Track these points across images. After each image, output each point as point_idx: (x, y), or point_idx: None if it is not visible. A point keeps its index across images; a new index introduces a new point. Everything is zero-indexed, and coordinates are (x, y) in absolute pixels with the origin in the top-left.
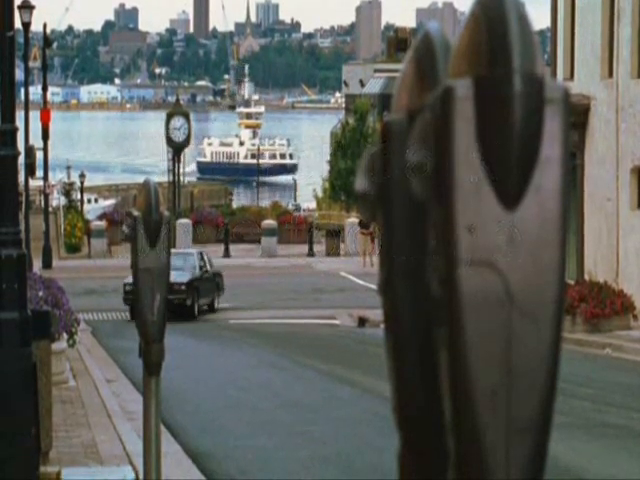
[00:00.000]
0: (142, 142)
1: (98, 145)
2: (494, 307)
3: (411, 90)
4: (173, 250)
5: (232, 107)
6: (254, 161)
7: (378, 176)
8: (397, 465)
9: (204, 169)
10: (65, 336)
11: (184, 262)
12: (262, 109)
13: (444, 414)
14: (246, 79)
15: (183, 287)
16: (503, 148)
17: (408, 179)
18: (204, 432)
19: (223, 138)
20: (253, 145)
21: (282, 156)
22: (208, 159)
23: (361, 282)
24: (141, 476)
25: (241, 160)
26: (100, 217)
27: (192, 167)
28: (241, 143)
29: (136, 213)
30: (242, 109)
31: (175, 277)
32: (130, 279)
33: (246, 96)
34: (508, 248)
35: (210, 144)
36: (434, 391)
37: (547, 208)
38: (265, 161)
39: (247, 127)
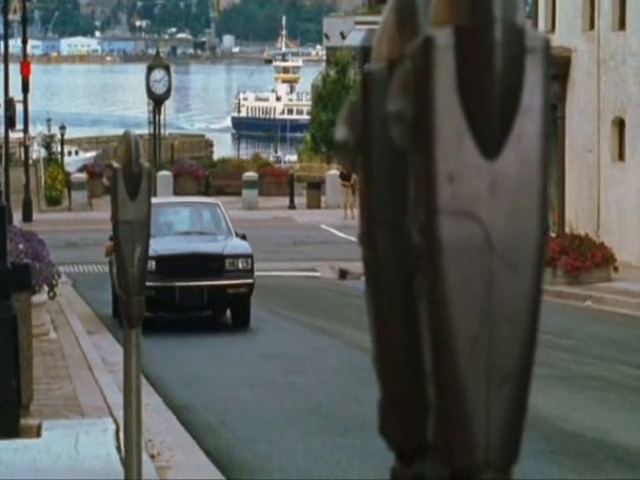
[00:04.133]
0: (123, 94)
1: (79, 98)
2: (474, 256)
3: (391, 40)
4: (178, 199)
5: (268, 61)
6: (291, 117)
7: (358, 126)
8: (378, 416)
9: (239, 124)
10: (46, 288)
11: (213, 222)
12: (300, 63)
13: (424, 364)
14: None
15: (248, 261)
16: (484, 97)
17: (388, 128)
18: (185, 384)
19: (259, 93)
20: (290, 100)
21: None
22: (243, 114)
23: (342, 235)
24: (122, 428)
25: (277, 116)
26: (81, 169)
27: (227, 122)
28: (278, 98)
29: (116, 165)
30: (279, 63)
31: (228, 246)
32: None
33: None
34: (488, 197)
35: (245, 99)
36: (414, 341)
37: (528, 157)
38: (302, 117)
39: (284, 81)
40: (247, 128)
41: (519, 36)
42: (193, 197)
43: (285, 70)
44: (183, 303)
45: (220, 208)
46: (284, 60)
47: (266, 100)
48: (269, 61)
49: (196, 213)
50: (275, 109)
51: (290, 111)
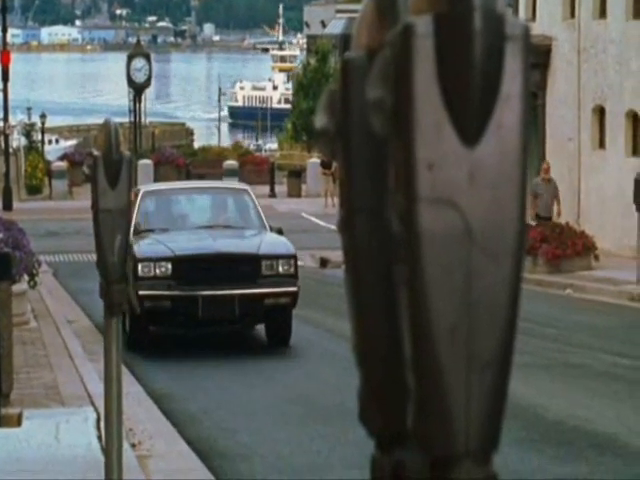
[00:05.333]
0: (103, 83)
1: (59, 86)
2: (454, 244)
3: (371, 27)
4: (196, 184)
5: (265, 50)
6: (288, 106)
7: (337, 113)
8: (358, 404)
9: (236, 113)
10: (26, 278)
11: (241, 212)
12: (297, 52)
13: (404, 352)
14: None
15: (290, 264)
16: (463, 85)
17: (367, 116)
18: (166, 373)
19: (256, 82)
20: (287, 89)
21: None
22: (240, 103)
23: (323, 223)
24: (102, 417)
25: (274, 105)
26: (61, 158)
27: (224, 112)
28: (274, 87)
29: (96, 153)
30: (276, 52)
31: (264, 244)
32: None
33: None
34: (468, 185)
35: (242, 88)
36: (394, 329)
37: (507, 145)
38: None
39: (281, 70)
40: (244, 117)
41: (499, 24)
42: (215, 181)
43: (282, 59)
44: (208, 317)
45: (249, 195)
46: (281, 49)
47: (263, 89)
48: (266, 50)
49: (220, 201)
50: (272, 98)
51: (287, 100)
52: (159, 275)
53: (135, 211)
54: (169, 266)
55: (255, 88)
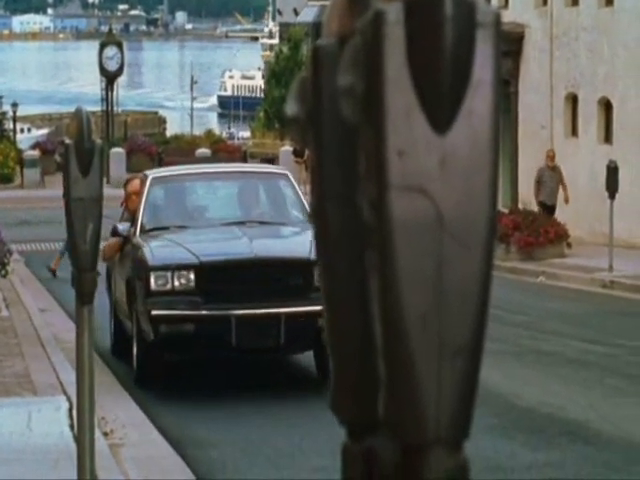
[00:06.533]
0: (76, 72)
1: (31, 75)
2: (425, 231)
3: (342, 14)
4: (222, 168)
5: (255, 38)
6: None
7: (308, 101)
8: (330, 392)
9: (225, 103)
10: None
11: (280, 204)
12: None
13: (375, 339)
14: None
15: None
16: (434, 72)
17: (338, 103)
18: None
19: (245, 71)
20: None
21: None
22: (229, 93)
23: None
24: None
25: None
26: (33, 147)
27: (212, 101)
28: (264, 76)
29: (68, 141)
30: (265, 40)
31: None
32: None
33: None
34: (439, 172)
35: (231, 77)
36: (366, 316)
37: (478, 132)
38: None
39: None
40: (233, 106)
41: (470, 11)
42: (246, 164)
43: (272, 48)
44: (244, 344)
45: (290, 180)
46: (271, 38)
47: (252, 78)
48: (255, 38)
49: (252, 190)
50: (261, 87)
51: None
52: (179, 289)
53: (142, 203)
54: (192, 276)
55: (244, 77)
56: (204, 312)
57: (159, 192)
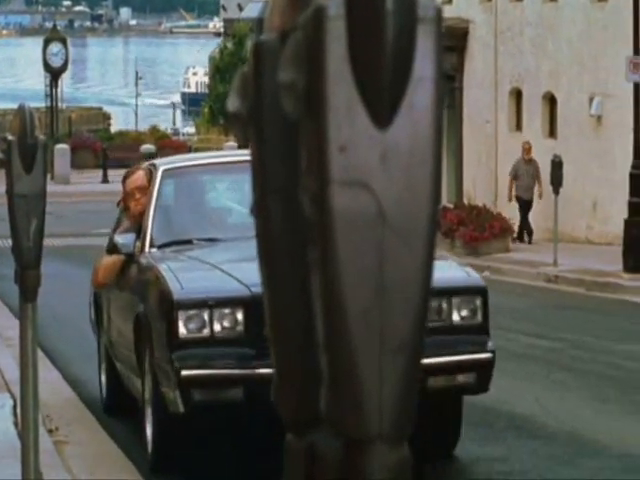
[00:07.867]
0: (20, 68)
1: None
2: (366, 226)
3: (283, 10)
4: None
5: (218, 34)
6: None
7: (249, 96)
8: (272, 387)
9: (189, 100)
10: None
11: None
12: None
13: (317, 335)
14: None
15: (476, 305)
16: (375, 67)
17: (280, 99)
18: (85, 358)
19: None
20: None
21: None
22: (193, 89)
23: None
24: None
25: None
26: None
27: (176, 98)
28: (206, 73)
29: (11, 138)
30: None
31: None
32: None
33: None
34: (380, 167)
35: (195, 74)
36: (308, 312)
37: (420, 127)
38: None
39: None
40: (197, 103)
41: (411, 5)
42: None
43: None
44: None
45: None
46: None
47: None
48: (218, 34)
49: None
50: None
51: None
52: (220, 336)
53: (151, 205)
54: (240, 316)
55: (208, 74)
56: (260, 370)
57: (175, 190)
